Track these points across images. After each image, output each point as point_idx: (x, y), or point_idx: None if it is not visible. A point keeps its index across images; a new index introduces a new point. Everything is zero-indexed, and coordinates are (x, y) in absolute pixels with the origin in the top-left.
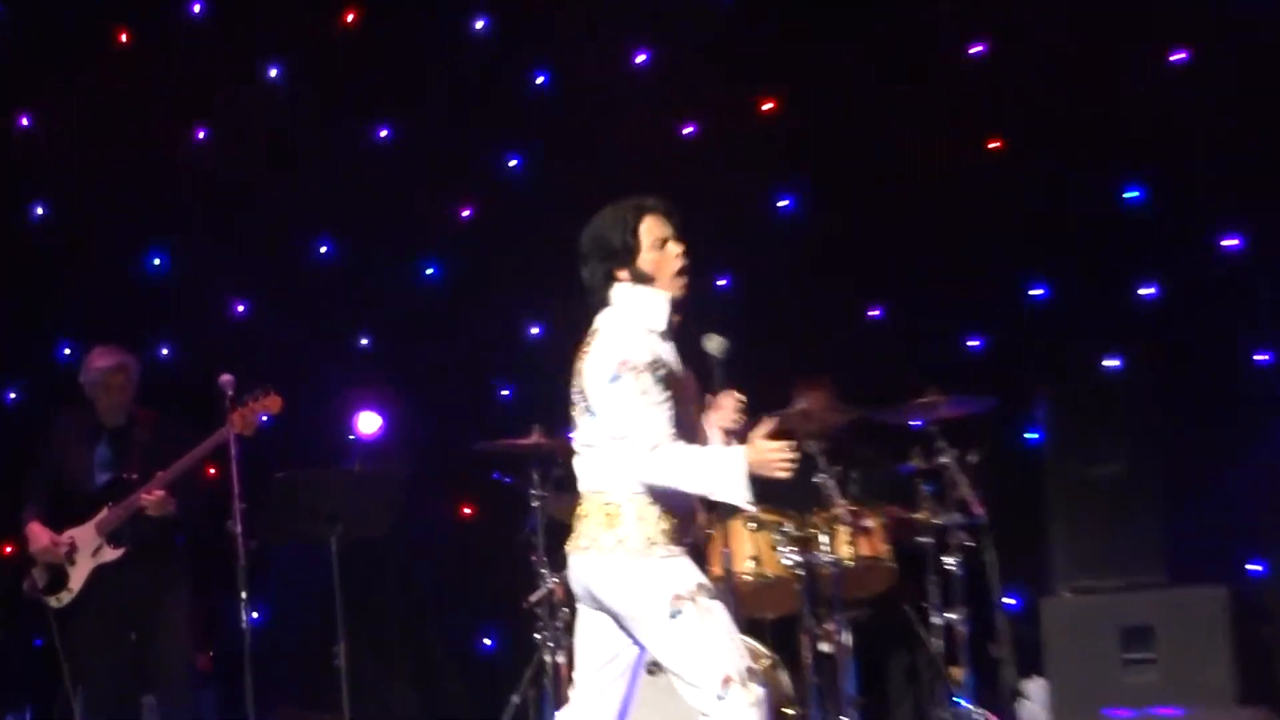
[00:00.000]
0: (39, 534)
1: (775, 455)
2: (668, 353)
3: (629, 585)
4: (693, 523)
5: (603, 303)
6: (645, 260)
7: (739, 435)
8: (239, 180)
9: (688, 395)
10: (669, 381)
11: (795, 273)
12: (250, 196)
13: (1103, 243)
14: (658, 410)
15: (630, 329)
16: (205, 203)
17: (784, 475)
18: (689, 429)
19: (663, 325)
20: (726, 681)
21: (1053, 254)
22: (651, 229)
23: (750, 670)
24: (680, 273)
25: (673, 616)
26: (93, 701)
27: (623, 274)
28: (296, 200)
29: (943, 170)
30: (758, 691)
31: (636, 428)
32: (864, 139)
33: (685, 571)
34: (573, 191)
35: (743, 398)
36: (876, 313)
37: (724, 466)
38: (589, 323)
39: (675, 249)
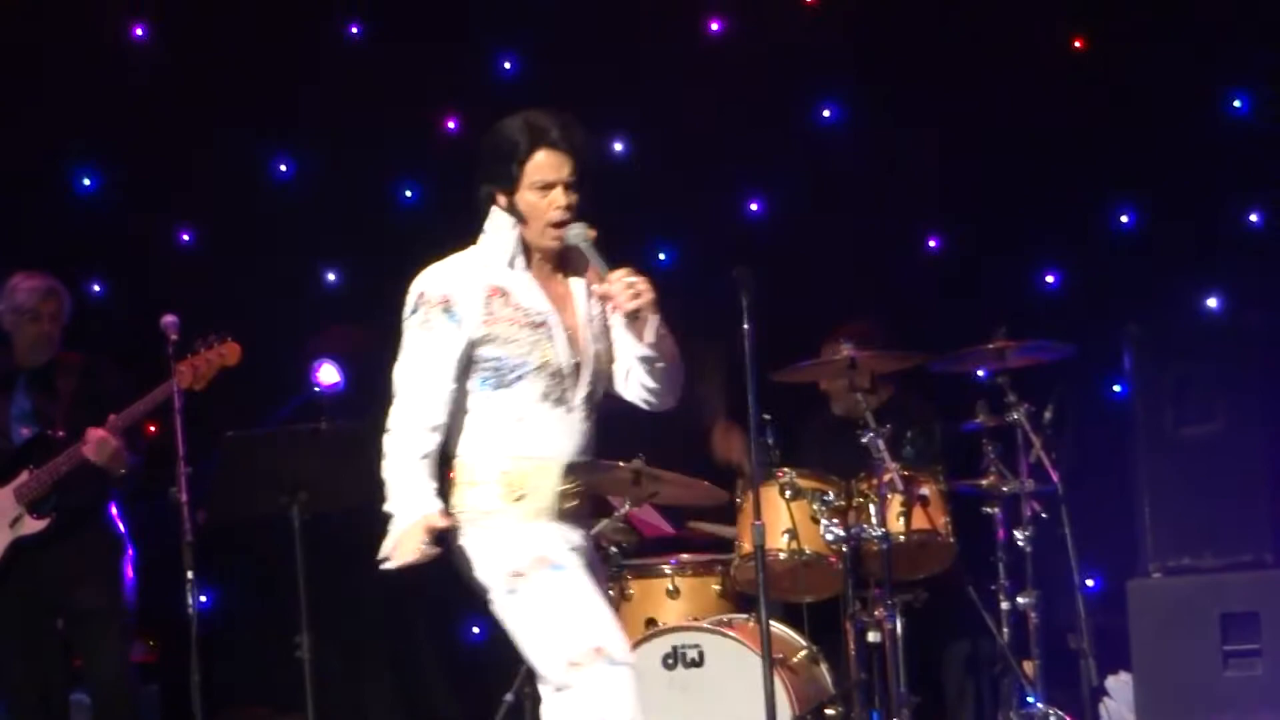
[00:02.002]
0: None
1: (416, 543)
2: (523, 288)
3: (469, 560)
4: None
5: (480, 228)
6: (522, 199)
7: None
8: (184, 85)
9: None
10: (507, 322)
11: (839, 196)
12: (198, 105)
13: (1201, 161)
14: (428, 364)
15: (464, 259)
16: (144, 112)
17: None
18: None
19: (505, 259)
20: (572, 666)
21: (1143, 174)
22: (539, 168)
23: (600, 650)
24: (555, 224)
25: (510, 594)
26: (12, 702)
27: (502, 200)
28: (252, 110)
29: (1014, 74)
30: (611, 674)
31: (401, 385)
32: (920, 37)
33: (517, 539)
34: (577, 101)
35: (635, 275)
36: (934, 243)
37: (402, 509)
38: None
39: (558, 199)
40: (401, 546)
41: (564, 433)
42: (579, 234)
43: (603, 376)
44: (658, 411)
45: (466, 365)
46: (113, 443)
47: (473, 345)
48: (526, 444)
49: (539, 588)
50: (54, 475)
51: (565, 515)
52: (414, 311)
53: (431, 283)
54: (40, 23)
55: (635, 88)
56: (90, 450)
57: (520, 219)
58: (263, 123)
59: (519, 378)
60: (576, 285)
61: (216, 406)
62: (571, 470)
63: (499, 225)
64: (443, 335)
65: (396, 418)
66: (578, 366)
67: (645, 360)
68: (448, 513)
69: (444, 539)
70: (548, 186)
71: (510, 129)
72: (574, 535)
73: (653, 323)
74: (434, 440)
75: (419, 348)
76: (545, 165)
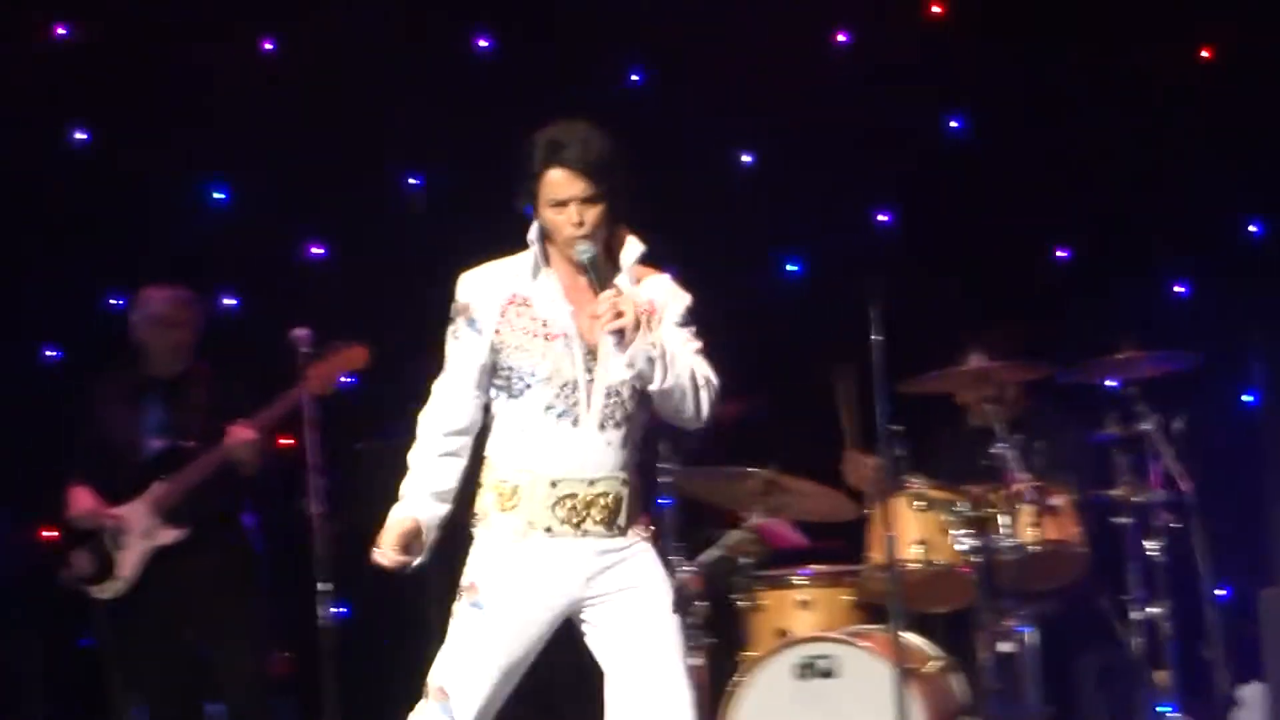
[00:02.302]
0: (81, 497)
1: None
2: (546, 298)
3: None
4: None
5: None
6: (542, 214)
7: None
8: (314, 100)
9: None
10: (520, 331)
11: (968, 207)
12: (328, 120)
13: None
14: (451, 369)
15: (498, 266)
16: (276, 124)
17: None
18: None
19: (530, 269)
20: (426, 689)
21: (1272, 184)
22: (552, 186)
23: (443, 692)
24: (573, 239)
25: (455, 600)
26: (150, 712)
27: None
28: (382, 125)
29: (1142, 84)
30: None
31: (433, 389)
32: (1048, 48)
33: (480, 559)
34: (704, 113)
35: (616, 292)
36: (1064, 254)
37: (395, 508)
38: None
39: (572, 216)
40: (379, 545)
41: (566, 448)
42: (583, 250)
43: (633, 394)
44: (692, 430)
45: (492, 371)
46: (255, 439)
47: (494, 352)
48: (523, 455)
49: (458, 610)
50: (188, 485)
51: (570, 529)
52: (448, 318)
53: (461, 289)
54: (173, 36)
55: (763, 100)
56: (233, 443)
57: (547, 232)
58: (392, 137)
59: (527, 387)
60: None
61: (346, 419)
62: (572, 486)
63: (532, 235)
64: (465, 342)
65: (420, 420)
66: (591, 382)
67: (636, 381)
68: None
69: (410, 550)
70: (561, 204)
71: (531, 145)
72: (576, 552)
73: (637, 345)
74: (449, 444)
75: (447, 353)
76: (558, 183)
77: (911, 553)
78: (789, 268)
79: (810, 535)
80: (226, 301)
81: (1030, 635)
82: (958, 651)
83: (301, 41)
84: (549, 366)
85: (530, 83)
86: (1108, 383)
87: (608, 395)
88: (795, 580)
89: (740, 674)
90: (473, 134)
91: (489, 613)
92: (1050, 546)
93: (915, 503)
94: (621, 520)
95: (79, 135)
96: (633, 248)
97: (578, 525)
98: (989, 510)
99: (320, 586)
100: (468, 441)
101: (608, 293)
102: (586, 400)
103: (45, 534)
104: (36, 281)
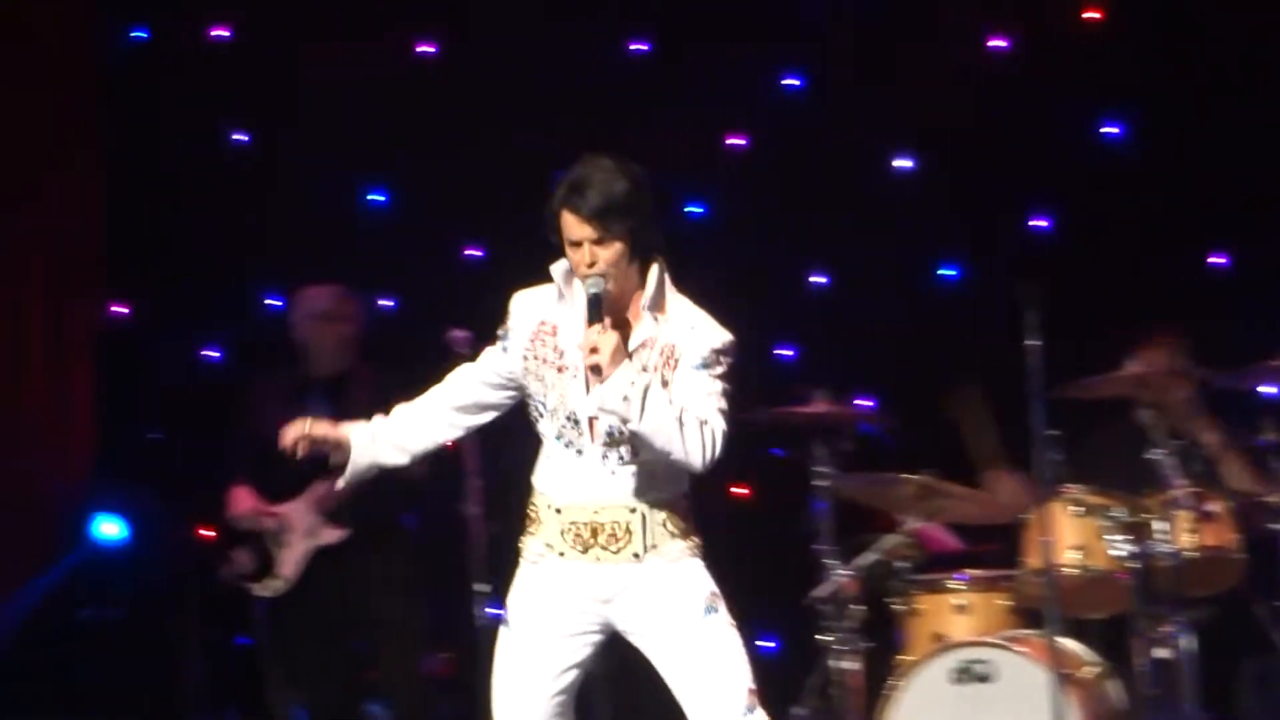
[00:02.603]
0: (242, 497)
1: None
2: (570, 328)
3: None
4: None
5: None
6: (565, 250)
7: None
8: (472, 103)
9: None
10: (540, 360)
11: (1126, 212)
12: (483, 121)
13: None
14: (473, 362)
15: (544, 289)
16: (432, 130)
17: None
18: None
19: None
20: None
21: None
22: (565, 226)
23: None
24: (585, 277)
25: None
26: (310, 711)
27: None
28: (541, 125)
29: None
30: None
31: None
32: (1207, 52)
33: (515, 581)
34: (860, 118)
35: (601, 329)
36: (1222, 259)
37: None
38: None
39: (585, 256)
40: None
41: (572, 478)
42: (590, 285)
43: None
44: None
45: (500, 387)
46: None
47: (523, 374)
48: (542, 481)
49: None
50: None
51: (579, 554)
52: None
53: (510, 306)
54: (330, 38)
55: (920, 104)
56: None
57: None
58: (548, 137)
59: (540, 415)
60: (638, 337)
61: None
62: (575, 513)
63: (556, 267)
64: (495, 353)
65: None
66: (594, 417)
67: (610, 419)
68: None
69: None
70: (575, 244)
71: (558, 183)
72: (590, 576)
73: (609, 384)
74: (430, 407)
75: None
76: (571, 225)
77: (1068, 558)
78: (945, 273)
79: (966, 540)
80: (383, 303)
81: (1187, 641)
82: (1114, 657)
83: (460, 44)
84: (556, 398)
85: (687, 87)
86: (1265, 389)
87: (609, 430)
88: (952, 585)
89: (896, 678)
90: (629, 137)
91: (514, 632)
92: (1207, 553)
93: (1071, 508)
94: (637, 548)
95: (237, 137)
96: (652, 284)
97: (585, 550)
98: (1146, 516)
99: (477, 587)
100: (448, 417)
101: (593, 329)
102: (590, 433)
103: (203, 533)
104: (196, 283)
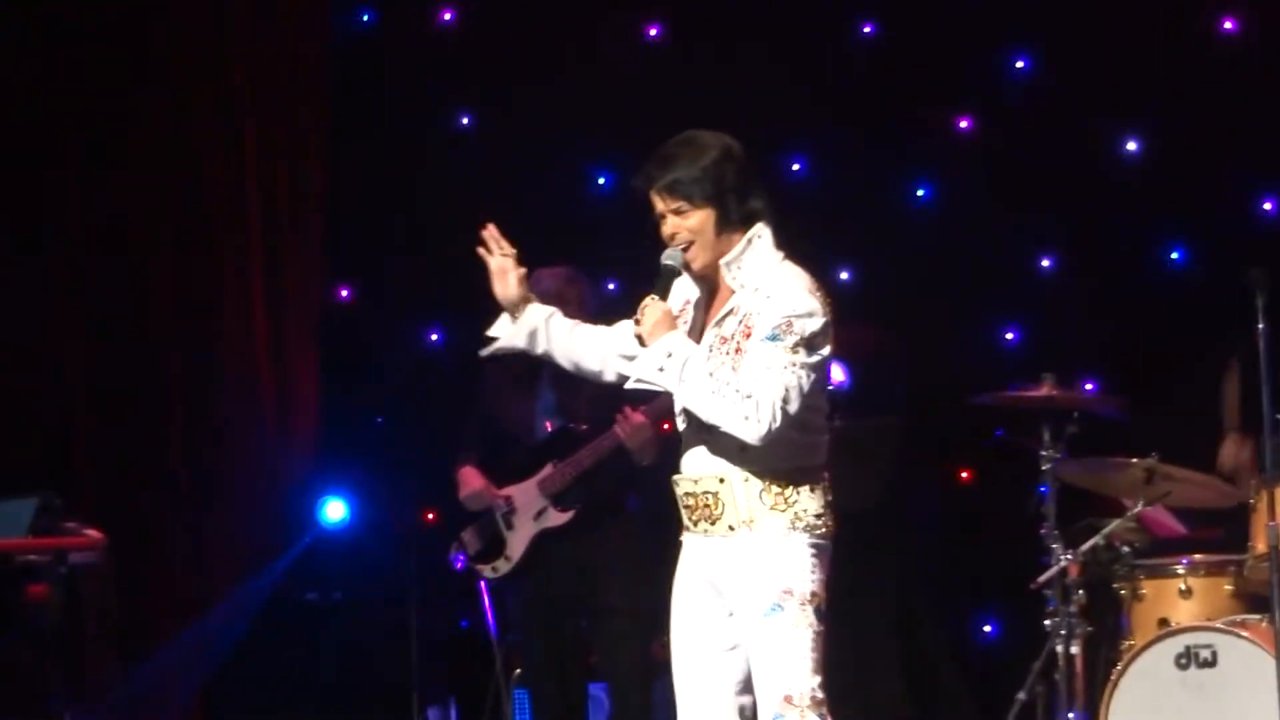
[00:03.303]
0: (472, 478)
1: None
2: (690, 303)
3: None
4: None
5: None
6: None
7: None
8: (698, 83)
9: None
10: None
11: None
12: (709, 103)
13: None
14: None
15: None
16: (657, 111)
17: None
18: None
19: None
20: None
21: None
22: (652, 203)
23: None
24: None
25: None
26: (532, 694)
27: None
28: (763, 110)
29: None
30: None
31: None
32: None
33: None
34: (1088, 100)
35: (650, 299)
36: None
37: None
38: None
39: (666, 229)
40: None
41: (684, 449)
42: (665, 256)
43: None
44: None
45: None
46: (649, 429)
47: None
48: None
49: None
50: (579, 468)
51: (690, 526)
52: None
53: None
54: (557, 20)
55: (1149, 87)
56: (625, 432)
57: None
58: (773, 124)
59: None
60: (724, 306)
61: None
62: (683, 485)
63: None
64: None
65: None
66: None
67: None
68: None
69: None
70: (660, 217)
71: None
72: (700, 551)
73: (644, 355)
74: (594, 331)
75: None
76: (653, 201)
77: None
78: (1172, 255)
79: (1191, 524)
80: (611, 286)
81: None
82: None
83: (687, 25)
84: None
85: (914, 66)
86: None
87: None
88: (1177, 569)
89: (1120, 663)
90: (851, 118)
91: (673, 616)
92: None
93: None
94: (730, 519)
95: (464, 120)
96: (736, 252)
97: (695, 525)
98: None
99: None
100: (609, 359)
101: (648, 299)
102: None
103: (430, 516)
104: (420, 265)
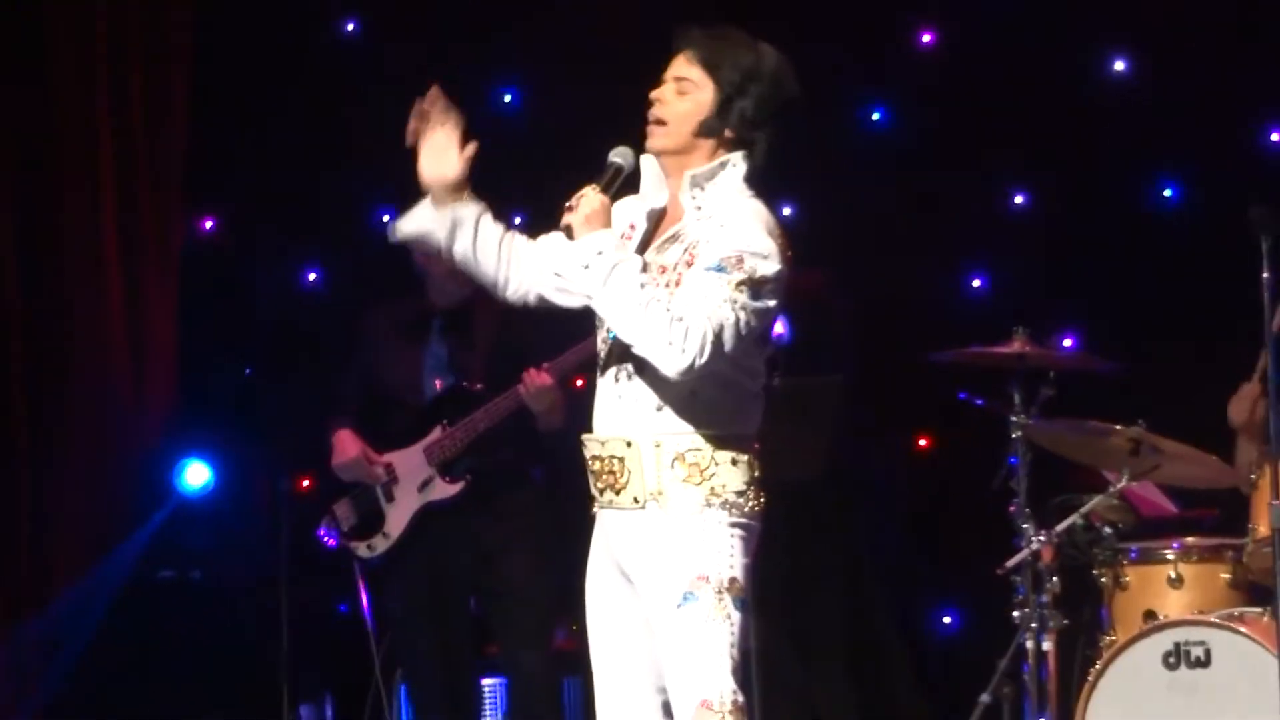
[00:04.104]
0: (348, 443)
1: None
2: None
3: None
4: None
5: None
6: None
7: None
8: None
9: None
10: None
11: None
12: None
13: None
14: None
15: None
16: (567, 32)
17: None
18: None
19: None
20: None
21: None
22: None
23: None
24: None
25: None
26: (416, 688)
27: None
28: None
29: None
30: None
31: None
32: None
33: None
34: (1069, 5)
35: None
36: None
37: None
38: None
39: (657, 91)
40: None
41: (596, 403)
42: (619, 150)
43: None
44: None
45: None
46: (556, 390)
47: None
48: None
49: None
50: (471, 433)
51: (596, 496)
52: None
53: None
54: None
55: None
56: (528, 394)
57: None
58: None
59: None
60: (671, 227)
61: None
62: (591, 447)
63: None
64: None
65: None
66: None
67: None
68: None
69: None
70: (658, 84)
71: None
72: (608, 527)
73: (576, 246)
74: (527, 244)
75: None
76: (670, 64)
77: None
78: (1164, 193)
79: (1182, 503)
80: (516, 220)
81: None
82: None
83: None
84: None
85: None
86: None
87: (610, 336)
88: (1166, 554)
89: (1102, 661)
90: (794, 25)
91: (586, 595)
92: None
93: None
94: (636, 490)
95: (350, 25)
96: (700, 169)
97: (601, 493)
98: None
99: None
100: (537, 275)
101: (584, 190)
102: (604, 342)
103: (301, 483)
104: (295, 195)
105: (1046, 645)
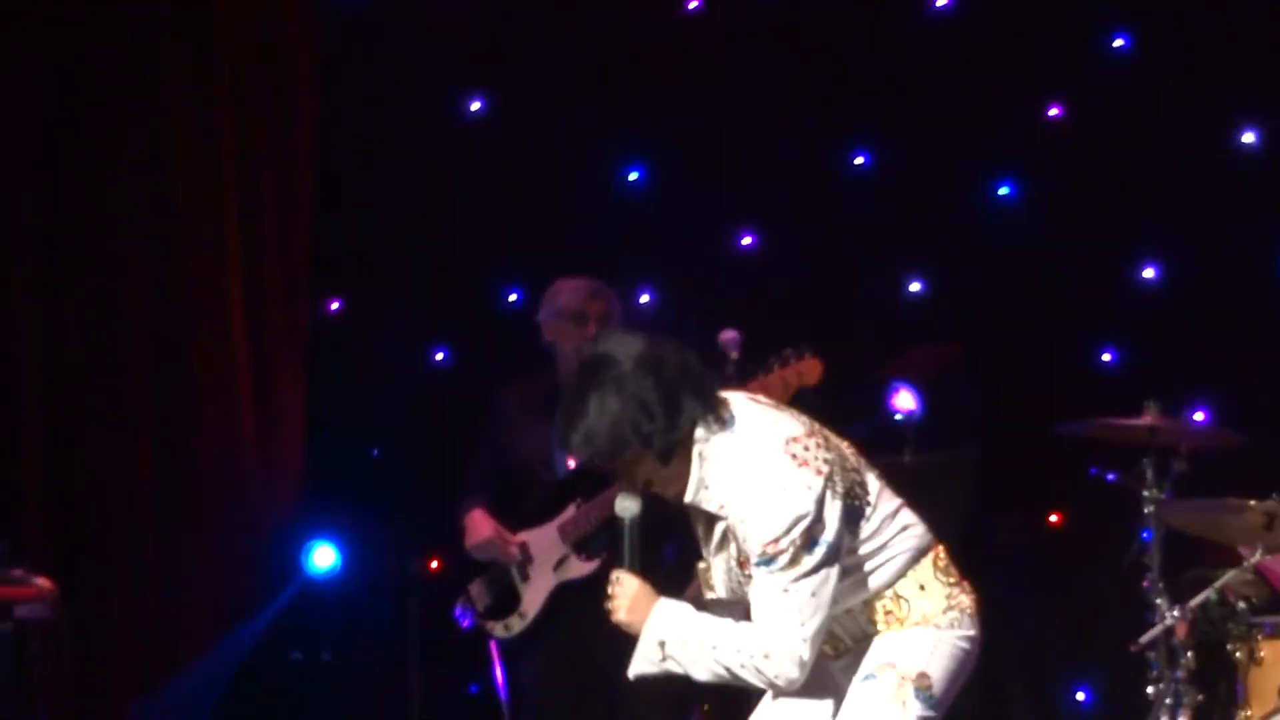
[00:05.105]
0: (481, 523)
1: None
2: None
3: None
4: None
5: None
6: None
7: None
8: (735, 58)
9: None
10: None
11: None
12: (753, 80)
13: None
14: None
15: None
16: (700, 91)
17: None
18: None
19: None
20: None
21: None
22: None
23: None
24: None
25: None
26: None
27: None
28: (819, 88)
29: None
30: None
31: None
32: None
33: None
34: (1198, 78)
35: (616, 583)
36: None
37: None
38: None
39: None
40: None
41: None
42: (619, 507)
43: None
44: None
45: None
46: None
47: None
48: None
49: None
50: (605, 510)
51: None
52: None
53: None
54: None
55: (1268, 65)
56: None
57: None
58: (831, 112)
59: None
60: (722, 530)
61: None
62: None
63: None
64: None
65: None
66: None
67: None
68: None
69: None
70: None
71: None
72: None
73: (638, 653)
74: None
75: None
76: None
77: None
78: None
79: None
80: (643, 299)
81: None
82: None
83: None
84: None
85: (997, 47)
86: None
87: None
88: None
89: None
90: (922, 104)
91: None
92: None
93: None
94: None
95: (475, 104)
96: (692, 481)
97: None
98: None
99: None
100: None
101: (614, 577)
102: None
103: (431, 564)
104: (421, 274)
105: None
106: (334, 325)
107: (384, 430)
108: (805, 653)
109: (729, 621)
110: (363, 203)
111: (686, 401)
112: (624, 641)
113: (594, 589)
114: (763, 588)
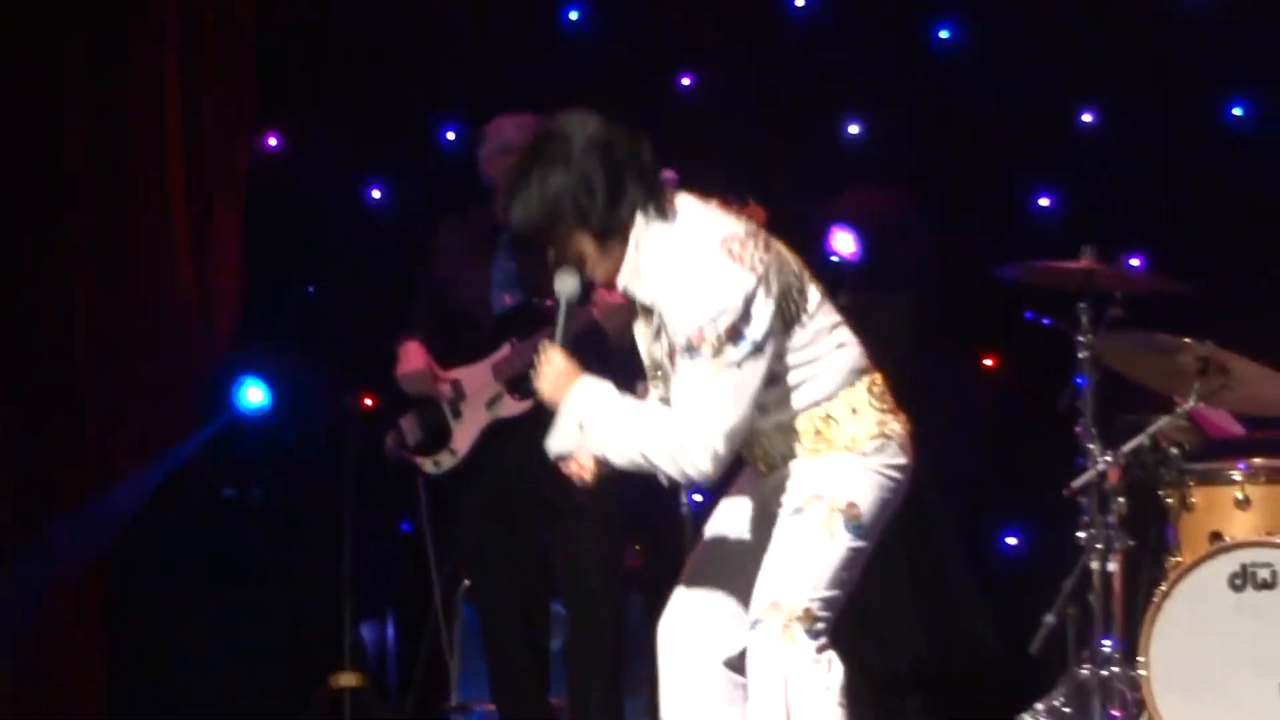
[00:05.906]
0: (413, 354)
1: None
2: None
3: None
4: None
5: None
6: None
7: None
8: None
9: None
10: None
11: None
12: None
13: None
14: None
15: None
16: None
17: None
18: None
19: None
20: None
21: None
22: None
23: None
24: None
25: None
26: (482, 609)
27: None
28: None
29: None
30: None
31: None
32: None
33: None
34: None
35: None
36: None
37: None
38: None
39: (550, 256)
40: None
41: None
42: (557, 282)
43: None
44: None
45: None
46: (627, 309)
47: None
48: None
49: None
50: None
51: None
52: None
53: None
54: None
55: None
56: (600, 311)
57: None
58: None
59: None
60: (656, 321)
61: None
62: None
63: None
64: None
65: None
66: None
67: None
68: None
69: None
70: None
71: None
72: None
73: (557, 428)
74: None
75: None
76: None
77: None
78: (1235, 111)
79: (1250, 425)
80: None
81: None
82: None
83: None
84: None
85: None
86: None
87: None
88: (1233, 475)
89: (1167, 583)
90: None
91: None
92: None
93: None
94: (775, 461)
95: None
96: (626, 263)
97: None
98: None
99: None
100: None
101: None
102: None
103: (364, 400)
104: (359, 108)
105: (1112, 566)
106: (270, 162)
107: (320, 267)
108: (721, 447)
109: (651, 406)
110: (302, 35)
111: (630, 186)
112: (553, 478)
113: (526, 428)
114: (685, 377)
